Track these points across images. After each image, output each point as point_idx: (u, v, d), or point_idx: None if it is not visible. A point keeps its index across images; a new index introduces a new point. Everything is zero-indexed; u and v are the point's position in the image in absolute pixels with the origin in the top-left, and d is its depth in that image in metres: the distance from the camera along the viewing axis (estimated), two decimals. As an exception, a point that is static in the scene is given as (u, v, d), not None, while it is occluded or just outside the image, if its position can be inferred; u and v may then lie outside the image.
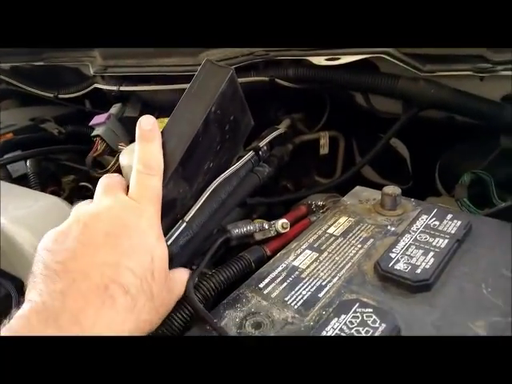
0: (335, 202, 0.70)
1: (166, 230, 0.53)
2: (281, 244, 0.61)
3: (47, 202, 0.70)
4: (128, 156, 0.69)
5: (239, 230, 0.62)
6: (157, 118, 0.60)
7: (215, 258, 0.63)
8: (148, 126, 0.50)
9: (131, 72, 0.84)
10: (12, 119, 1.09)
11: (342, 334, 0.40)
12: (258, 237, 0.63)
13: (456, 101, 0.70)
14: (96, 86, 0.93)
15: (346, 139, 0.94)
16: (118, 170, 0.88)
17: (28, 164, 0.89)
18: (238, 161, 0.68)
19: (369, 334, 0.40)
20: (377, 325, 0.40)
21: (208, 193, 0.60)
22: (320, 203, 0.71)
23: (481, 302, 0.43)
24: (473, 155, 0.81)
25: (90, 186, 0.90)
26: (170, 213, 0.54)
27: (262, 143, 0.73)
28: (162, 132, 0.53)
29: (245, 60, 0.76)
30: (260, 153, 0.72)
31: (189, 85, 0.55)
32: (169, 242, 0.52)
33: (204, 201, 0.59)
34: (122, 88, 0.87)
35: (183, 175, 0.54)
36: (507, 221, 0.54)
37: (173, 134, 0.53)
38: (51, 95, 1.09)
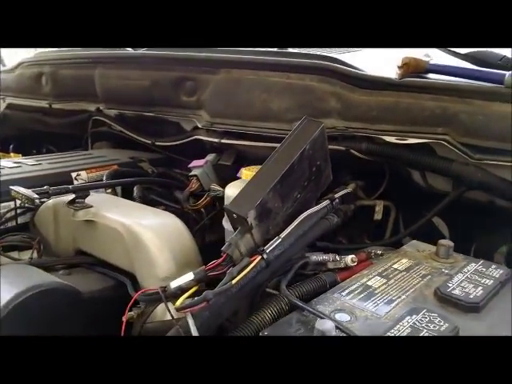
0: (392, 252, 0.85)
1: (260, 235, 0.69)
2: (349, 275, 0.76)
3: (163, 215, 0.88)
4: (233, 189, 0.86)
5: (316, 257, 0.78)
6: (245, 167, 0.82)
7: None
8: None
9: (234, 129, 1.05)
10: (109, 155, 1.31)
11: (415, 328, 0.53)
12: (330, 266, 0.78)
13: (498, 185, 0.86)
14: (198, 137, 1.14)
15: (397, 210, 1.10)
16: (205, 206, 1.06)
17: (135, 189, 1.08)
18: (317, 205, 0.84)
19: (435, 330, 0.53)
20: (441, 323, 0.54)
21: (297, 222, 0.76)
22: (379, 252, 0.86)
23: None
24: (502, 236, 0.95)
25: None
26: (265, 220, 0.71)
27: (337, 195, 0.90)
28: (270, 156, 0.73)
29: (328, 132, 0.95)
30: (333, 203, 0.88)
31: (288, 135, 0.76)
32: (268, 250, 0.69)
33: (293, 228, 0.75)
34: (223, 140, 1.08)
35: (279, 192, 0.72)
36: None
37: (277, 161, 0.74)
38: (149, 142, 1.31)
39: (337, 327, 0.53)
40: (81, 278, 0.81)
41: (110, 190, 1.05)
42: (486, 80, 0.90)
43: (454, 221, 1.03)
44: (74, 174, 1.09)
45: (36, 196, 0.83)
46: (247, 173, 0.88)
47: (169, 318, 0.75)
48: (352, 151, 0.97)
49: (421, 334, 0.52)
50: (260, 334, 0.56)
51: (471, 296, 0.61)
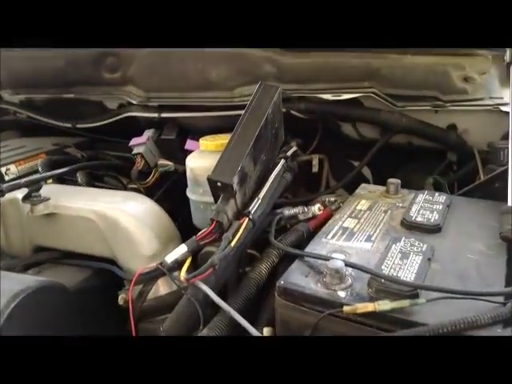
0: (342, 197, 0.95)
1: (241, 199, 0.75)
2: (316, 223, 0.85)
3: (133, 196, 0.86)
4: (195, 160, 0.88)
5: (288, 211, 0.85)
6: (191, 138, 0.86)
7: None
8: None
9: (173, 102, 1.05)
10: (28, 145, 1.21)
11: (404, 253, 0.63)
12: (301, 217, 0.85)
13: (420, 128, 1.01)
14: (131, 114, 1.11)
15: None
16: (156, 182, 1.06)
17: (79, 176, 1.02)
18: (274, 166, 0.91)
19: (419, 251, 0.64)
20: (421, 245, 0.65)
21: (269, 183, 0.82)
22: (332, 199, 0.95)
23: (473, 232, 0.70)
24: (419, 171, 1.12)
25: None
26: (244, 184, 0.76)
27: (288, 154, 0.97)
28: (239, 123, 0.77)
29: None
30: (287, 162, 0.95)
31: (249, 101, 0.82)
32: (252, 212, 0.74)
33: (268, 189, 0.81)
34: (163, 115, 1.07)
35: (253, 155, 0.77)
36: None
37: (246, 127, 0.78)
38: (69, 125, 1.23)
39: (346, 264, 0.60)
40: (57, 274, 0.77)
41: (50, 181, 0.99)
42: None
43: (376, 165, 1.17)
44: (3, 169, 1.00)
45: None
46: (206, 143, 0.91)
47: (162, 292, 0.77)
48: (292, 112, 1.04)
49: (410, 257, 0.63)
50: (277, 284, 0.61)
51: (432, 220, 0.73)
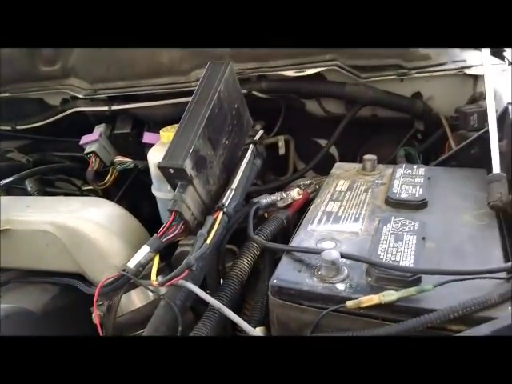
0: (317, 179, 0.91)
1: (202, 186, 0.70)
2: (297, 208, 0.81)
3: (93, 201, 0.78)
4: (158, 154, 0.81)
5: (266, 199, 0.80)
6: (148, 131, 0.78)
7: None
8: None
9: (123, 92, 0.96)
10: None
11: (397, 234, 0.60)
12: (280, 204, 0.81)
13: (386, 98, 0.98)
14: (77, 109, 1.01)
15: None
16: (115, 182, 0.98)
17: (28, 184, 0.92)
18: (244, 152, 0.85)
19: (411, 230, 0.61)
20: (412, 223, 0.62)
21: (241, 171, 0.77)
22: (307, 182, 0.91)
23: (459, 204, 0.68)
24: (386, 143, 1.10)
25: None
26: (202, 170, 0.72)
27: (256, 138, 0.91)
28: (188, 106, 0.71)
29: None
30: (256, 147, 0.90)
31: (199, 81, 0.76)
32: (226, 205, 0.69)
33: (240, 177, 0.76)
34: (114, 107, 0.97)
35: (208, 137, 0.72)
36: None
37: (196, 108, 0.73)
38: (8, 128, 1.11)
39: (342, 255, 0.56)
40: (19, 297, 0.69)
41: (-5, 192, 0.89)
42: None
43: (341, 142, 1.14)
44: None
45: None
46: (167, 134, 0.83)
47: (138, 305, 0.72)
48: (254, 92, 0.98)
49: (404, 238, 0.59)
50: (270, 284, 0.56)
51: (416, 195, 0.70)
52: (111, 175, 0.95)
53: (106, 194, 0.97)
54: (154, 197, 0.88)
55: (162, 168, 0.68)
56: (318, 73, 0.97)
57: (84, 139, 0.98)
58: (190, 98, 0.95)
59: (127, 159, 0.94)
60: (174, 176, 0.68)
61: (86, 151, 0.96)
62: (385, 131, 1.09)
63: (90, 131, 1.02)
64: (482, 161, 0.78)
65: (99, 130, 0.99)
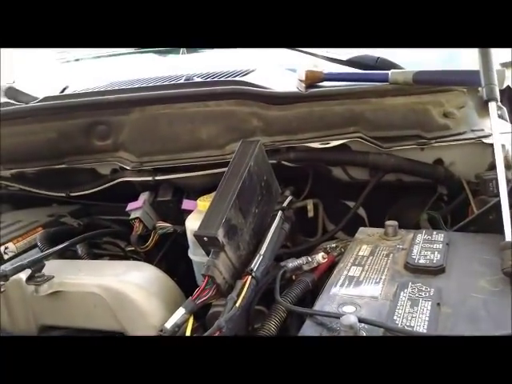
0: (343, 242, 0.97)
1: (233, 252, 0.77)
2: (322, 270, 0.86)
3: (135, 265, 0.86)
4: (194, 221, 0.89)
5: (292, 263, 0.86)
6: (187, 198, 0.87)
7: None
8: None
9: (166, 165, 1.07)
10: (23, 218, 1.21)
11: (413, 300, 0.64)
12: (306, 268, 0.86)
13: (408, 165, 1.04)
14: (125, 179, 1.12)
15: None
16: (156, 244, 1.06)
17: (79, 247, 1.02)
18: (273, 218, 0.92)
19: (427, 296, 0.65)
20: (428, 289, 0.66)
21: (269, 237, 0.84)
22: (333, 245, 0.97)
23: (475, 269, 0.71)
24: (412, 207, 1.14)
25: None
26: (233, 237, 0.79)
27: (285, 205, 0.99)
28: (222, 180, 0.81)
29: None
30: (285, 213, 0.97)
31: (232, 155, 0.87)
32: (254, 270, 0.75)
33: (268, 243, 0.83)
34: (157, 178, 1.08)
35: (239, 207, 0.80)
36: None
37: (229, 182, 0.82)
38: (63, 194, 1.24)
39: (359, 320, 0.61)
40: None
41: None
42: (374, 80, 1.07)
43: (369, 204, 1.19)
44: (2, 248, 1.00)
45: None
46: (203, 203, 0.92)
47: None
48: (283, 162, 1.06)
49: (420, 304, 0.63)
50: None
51: (434, 261, 0.74)
52: (153, 239, 1.04)
53: (148, 256, 1.06)
54: (190, 259, 0.95)
55: (197, 237, 0.75)
56: (344, 143, 1.05)
57: (130, 206, 1.09)
58: (225, 169, 1.05)
59: (167, 224, 1.03)
60: (208, 243, 0.75)
61: (131, 217, 1.07)
62: (410, 194, 1.15)
63: (135, 197, 1.13)
64: (499, 226, 0.82)
65: (143, 197, 1.10)
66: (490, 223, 0.86)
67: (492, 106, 0.82)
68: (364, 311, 0.66)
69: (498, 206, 0.83)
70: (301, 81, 1.10)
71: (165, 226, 1.03)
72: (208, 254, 0.77)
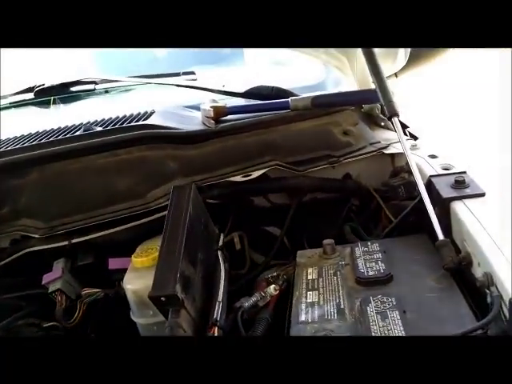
0: (285, 268, 0.98)
1: (191, 305, 0.74)
2: (274, 302, 0.86)
3: None
4: (134, 280, 0.83)
5: (248, 302, 0.84)
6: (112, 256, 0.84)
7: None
8: None
9: (82, 225, 0.97)
10: None
11: (381, 313, 0.68)
12: (261, 304, 0.86)
13: (323, 184, 1.10)
14: (32, 249, 0.99)
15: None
16: (85, 317, 0.96)
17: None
18: (216, 260, 0.90)
19: (390, 306, 0.69)
20: (389, 299, 0.70)
21: (222, 283, 0.82)
22: (275, 274, 0.98)
23: (417, 271, 0.78)
24: (325, 222, 1.21)
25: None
26: (189, 289, 0.76)
27: (220, 243, 0.97)
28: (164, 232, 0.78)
29: None
30: (224, 253, 0.95)
31: (166, 205, 0.86)
32: (218, 319, 0.73)
33: (223, 289, 0.81)
34: (74, 241, 0.97)
35: (189, 258, 0.78)
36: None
37: (172, 233, 0.79)
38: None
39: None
40: None
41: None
42: (277, 109, 1.12)
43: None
44: None
45: None
46: (139, 259, 0.86)
47: None
48: (208, 200, 1.04)
49: (389, 315, 0.67)
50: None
51: (381, 270, 0.79)
52: (80, 310, 0.93)
53: (76, 331, 0.95)
54: (134, 323, 0.88)
55: (152, 298, 0.70)
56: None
57: (46, 278, 0.96)
58: (150, 218, 0.99)
59: (95, 289, 0.94)
60: (166, 303, 0.70)
61: (50, 290, 0.94)
62: (321, 213, 1.21)
63: (47, 267, 1.01)
64: (420, 227, 0.91)
65: (59, 265, 0.98)
66: (411, 225, 0.95)
67: (395, 120, 0.92)
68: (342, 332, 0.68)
69: (416, 208, 0.93)
70: (207, 117, 1.10)
71: (92, 291, 0.93)
72: (164, 314, 0.72)
